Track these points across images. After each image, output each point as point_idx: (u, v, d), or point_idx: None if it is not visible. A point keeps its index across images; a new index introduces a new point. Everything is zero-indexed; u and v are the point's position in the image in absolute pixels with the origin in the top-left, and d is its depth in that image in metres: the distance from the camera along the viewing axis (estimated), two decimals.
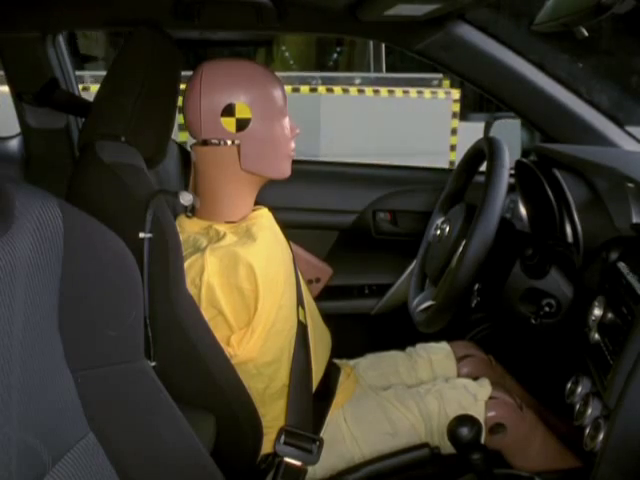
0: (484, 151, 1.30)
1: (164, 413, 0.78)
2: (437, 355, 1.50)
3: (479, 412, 1.28)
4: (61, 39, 1.63)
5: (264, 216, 1.25)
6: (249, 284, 1.10)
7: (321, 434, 1.22)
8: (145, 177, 1.08)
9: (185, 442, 0.80)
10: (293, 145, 1.24)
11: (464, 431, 0.99)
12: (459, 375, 1.47)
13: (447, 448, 1.23)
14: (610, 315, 1.03)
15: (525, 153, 1.65)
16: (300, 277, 1.31)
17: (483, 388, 1.34)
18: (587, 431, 0.99)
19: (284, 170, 1.24)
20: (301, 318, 1.23)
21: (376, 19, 1.37)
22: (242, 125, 1.16)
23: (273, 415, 1.20)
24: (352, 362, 1.50)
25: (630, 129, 1.54)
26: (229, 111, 1.15)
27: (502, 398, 1.34)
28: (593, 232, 1.23)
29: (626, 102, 1.48)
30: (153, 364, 0.94)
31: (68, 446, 0.64)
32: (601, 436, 0.95)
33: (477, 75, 1.54)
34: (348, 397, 1.33)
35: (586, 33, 1.04)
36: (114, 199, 1.02)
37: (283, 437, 1.14)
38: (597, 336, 1.04)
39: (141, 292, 0.76)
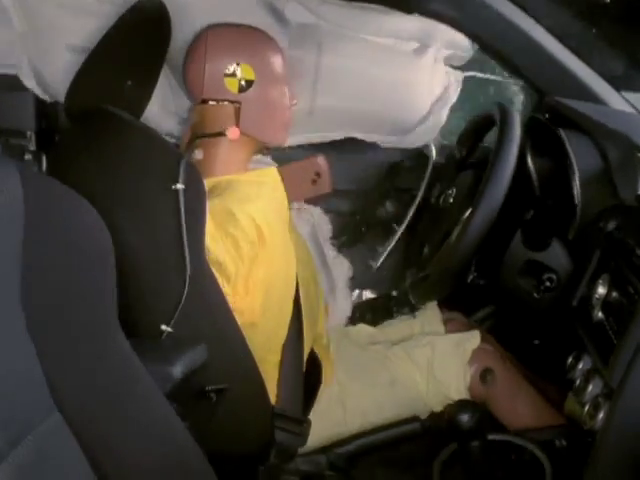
0: (494, 117, 1.25)
1: (140, 394, 0.73)
2: (424, 311, 1.49)
3: (466, 358, 1.31)
4: None
5: (268, 175, 1.24)
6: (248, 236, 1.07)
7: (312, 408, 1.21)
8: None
9: (163, 424, 0.76)
10: (291, 113, 1.26)
11: (464, 417, 0.98)
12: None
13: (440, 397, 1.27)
14: (615, 294, 1.00)
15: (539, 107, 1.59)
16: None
17: (473, 338, 1.35)
18: (586, 409, 0.98)
19: (280, 137, 1.28)
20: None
21: None
22: (245, 86, 1.18)
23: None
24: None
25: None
26: (233, 72, 1.17)
27: (489, 348, 1.36)
28: (594, 200, 1.18)
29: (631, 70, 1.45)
30: (169, 329, 0.93)
31: (29, 428, 0.59)
32: (601, 415, 0.94)
33: (488, 36, 1.48)
34: (331, 374, 1.32)
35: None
36: (145, 154, 1.01)
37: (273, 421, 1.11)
38: (601, 314, 1.01)
39: (113, 264, 0.71)
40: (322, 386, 1.28)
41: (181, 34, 1.30)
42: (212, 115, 1.19)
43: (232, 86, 1.17)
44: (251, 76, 1.18)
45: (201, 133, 1.20)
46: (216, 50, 1.18)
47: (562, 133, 1.26)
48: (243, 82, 1.18)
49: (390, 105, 1.53)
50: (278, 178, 1.24)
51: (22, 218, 0.59)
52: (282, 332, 1.18)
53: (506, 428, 1.27)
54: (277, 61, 1.22)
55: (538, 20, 1.46)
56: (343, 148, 1.62)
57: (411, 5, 1.44)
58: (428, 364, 1.31)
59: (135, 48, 1.11)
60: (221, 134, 1.18)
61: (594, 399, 0.97)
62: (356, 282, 1.70)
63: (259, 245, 1.08)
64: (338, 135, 1.58)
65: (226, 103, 1.18)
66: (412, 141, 1.60)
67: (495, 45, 1.50)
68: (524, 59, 1.49)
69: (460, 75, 1.58)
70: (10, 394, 0.57)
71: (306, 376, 1.24)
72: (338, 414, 1.27)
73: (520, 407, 1.31)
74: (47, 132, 1.32)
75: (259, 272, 1.10)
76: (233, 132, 1.18)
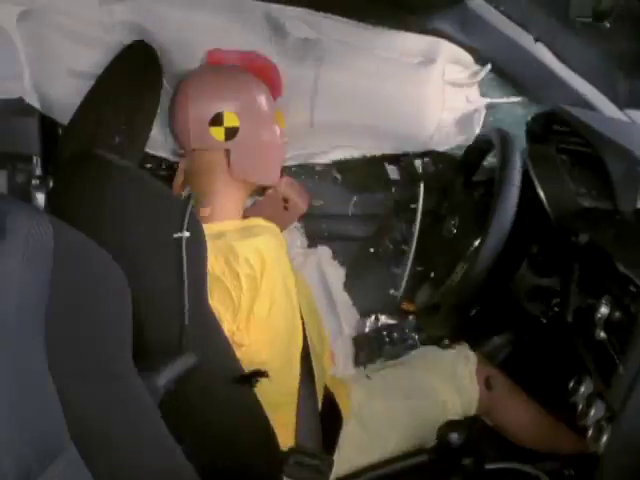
0: (492, 142, 1.25)
1: (150, 432, 0.77)
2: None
3: (472, 371, 1.36)
4: None
5: (260, 221, 1.22)
6: (249, 269, 1.07)
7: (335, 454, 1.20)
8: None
9: (171, 462, 0.79)
10: (283, 153, 1.26)
11: (454, 436, 1.01)
12: None
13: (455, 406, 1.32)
14: (617, 314, 0.99)
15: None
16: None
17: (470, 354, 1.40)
18: (590, 433, 0.96)
19: (274, 177, 1.27)
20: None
21: None
22: (231, 133, 1.17)
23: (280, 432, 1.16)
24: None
25: None
26: (217, 120, 1.17)
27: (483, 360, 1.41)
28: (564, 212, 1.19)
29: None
30: None
31: (51, 459, 0.62)
32: (604, 438, 0.92)
33: (493, 55, 1.49)
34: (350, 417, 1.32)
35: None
36: (144, 202, 0.99)
37: (292, 458, 1.09)
38: (603, 334, 1.00)
39: (129, 306, 0.75)
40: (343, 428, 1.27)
41: (179, 58, 1.33)
42: (203, 162, 1.19)
43: (218, 134, 1.17)
44: (236, 123, 1.17)
45: (193, 179, 1.20)
46: (198, 100, 1.18)
47: (532, 173, 1.25)
48: (229, 130, 1.17)
49: (394, 119, 1.50)
50: (274, 226, 1.23)
51: (50, 267, 0.63)
52: (293, 372, 1.16)
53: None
54: (262, 103, 1.21)
55: (539, 38, 1.46)
56: (348, 171, 1.64)
57: (415, 24, 1.45)
58: (451, 375, 1.35)
59: (128, 91, 1.12)
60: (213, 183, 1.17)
61: (597, 423, 0.95)
62: (371, 308, 1.70)
63: (260, 279, 1.08)
64: (339, 153, 1.57)
65: (214, 150, 1.18)
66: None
67: (498, 63, 1.51)
68: (527, 76, 1.50)
69: (482, 102, 1.56)
70: (31, 429, 0.60)
71: (324, 416, 1.23)
72: (362, 439, 1.27)
73: (522, 412, 1.35)
74: (53, 156, 1.33)
75: (262, 308, 1.09)
76: (225, 182, 1.18)
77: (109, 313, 0.73)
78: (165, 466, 0.78)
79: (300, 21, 1.40)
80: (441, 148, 1.58)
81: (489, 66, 1.50)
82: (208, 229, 1.05)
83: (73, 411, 0.65)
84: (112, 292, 0.74)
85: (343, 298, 1.67)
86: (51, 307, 0.63)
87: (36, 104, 1.30)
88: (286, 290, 1.17)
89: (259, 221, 1.21)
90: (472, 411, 1.36)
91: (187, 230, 0.95)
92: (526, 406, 1.36)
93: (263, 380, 1.06)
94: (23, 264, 0.59)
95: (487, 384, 1.34)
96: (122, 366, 0.75)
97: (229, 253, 1.06)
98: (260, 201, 1.48)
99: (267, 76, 1.39)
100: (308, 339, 1.22)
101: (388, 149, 1.58)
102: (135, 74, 1.23)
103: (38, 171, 1.27)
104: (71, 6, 1.28)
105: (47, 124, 1.33)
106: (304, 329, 1.21)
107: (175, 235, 0.94)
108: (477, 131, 1.55)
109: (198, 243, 0.98)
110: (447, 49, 1.48)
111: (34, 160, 1.28)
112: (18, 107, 1.28)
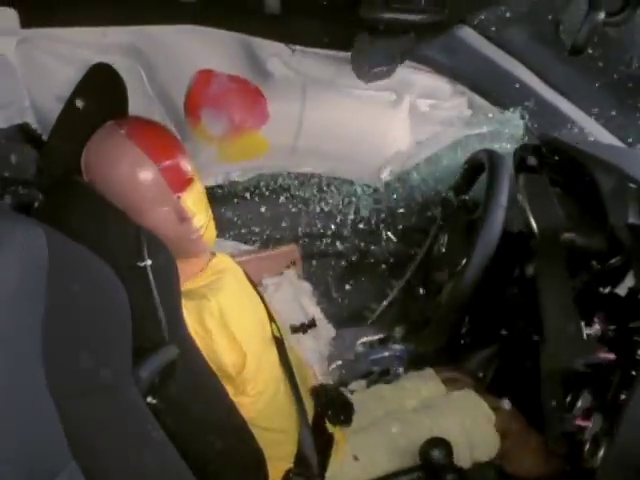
0: (483, 163, 1.29)
1: (151, 443, 0.76)
2: (426, 384, 1.48)
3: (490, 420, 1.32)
4: None
5: (219, 264, 1.23)
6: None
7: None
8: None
9: (173, 472, 0.78)
10: (192, 226, 1.10)
11: (435, 453, 1.01)
12: None
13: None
14: (611, 331, 1.02)
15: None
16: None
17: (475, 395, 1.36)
18: (587, 447, 0.98)
19: (187, 252, 1.13)
20: (275, 333, 1.24)
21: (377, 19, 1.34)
22: None
23: (277, 455, 1.18)
24: None
25: None
26: None
27: (497, 407, 1.36)
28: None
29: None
30: (154, 401, 0.90)
31: (52, 476, 0.62)
32: (601, 452, 0.94)
33: (478, 80, 1.53)
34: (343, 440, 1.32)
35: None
36: (113, 228, 1.01)
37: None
38: None
39: (128, 318, 0.74)
40: (336, 450, 1.28)
41: (170, 77, 1.36)
42: None
43: None
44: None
45: None
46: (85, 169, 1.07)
47: (526, 204, 1.27)
48: None
49: (365, 150, 1.59)
50: (231, 260, 1.27)
51: (46, 278, 0.62)
52: (278, 397, 1.19)
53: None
54: (135, 193, 1.04)
55: (527, 64, 1.51)
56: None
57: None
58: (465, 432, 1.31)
59: (96, 112, 1.10)
60: None
61: (594, 437, 0.97)
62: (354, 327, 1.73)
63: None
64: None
65: None
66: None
67: (485, 87, 1.55)
68: (513, 99, 1.55)
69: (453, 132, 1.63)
70: (35, 445, 0.60)
71: (316, 439, 1.24)
72: (354, 469, 1.26)
73: (528, 457, 1.33)
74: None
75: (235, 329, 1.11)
76: None
77: (108, 323, 0.72)
78: (169, 477, 0.78)
79: (280, 61, 1.44)
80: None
81: (465, 101, 1.57)
82: None
83: (73, 426, 0.64)
84: (110, 301, 0.73)
85: (318, 315, 1.71)
86: (48, 319, 0.62)
87: (38, 128, 1.31)
88: (254, 316, 1.21)
89: (218, 264, 1.22)
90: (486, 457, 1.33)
91: (150, 257, 0.94)
92: (535, 452, 1.32)
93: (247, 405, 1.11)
94: (18, 274, 0.59)
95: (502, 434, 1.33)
96: (122, 376, 0.74)
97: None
98: (271, 253, 1.65)
99: (255, 104, 1.45)
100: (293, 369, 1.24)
101: (359, 174, 1.68)
102: (101, 95, 1.20)
103: (40, 195, 1.27)
104: (65, 31, 1.30)
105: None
106: (286, 355, 1.23)
107: (139, 264, 0.94)
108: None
109: (164, 266, 0.98)
110: (420, 84, 1.55)
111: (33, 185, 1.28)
112: (20, 132, 1.28)
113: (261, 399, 1.16)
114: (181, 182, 1.08)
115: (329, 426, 1.30)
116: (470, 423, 1.31)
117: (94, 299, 0.71)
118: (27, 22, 1.23)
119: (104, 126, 1.08)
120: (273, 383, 1.19)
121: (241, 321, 1.13)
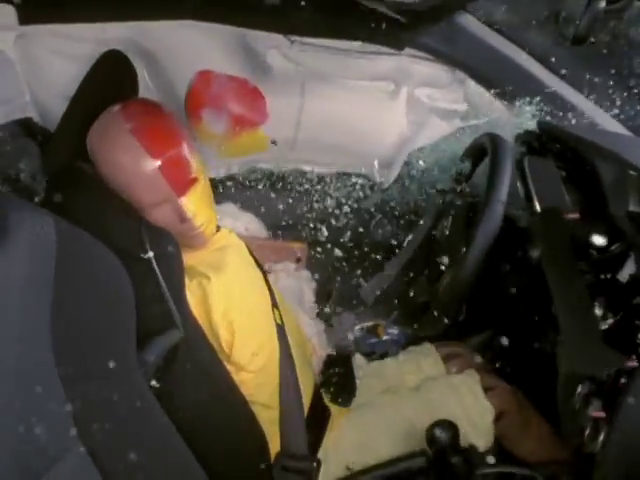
0: (486, 147, 1.29)
1: (156, 427, 0.77)
2: (426, 360, 1.49)
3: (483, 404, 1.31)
4: None
5: (222, 240, 1.23)
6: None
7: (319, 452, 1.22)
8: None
9: (179, 458, 0.80)
10: (188, 226, 1.10)
11: (441, 435, 1.01)
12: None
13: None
14: (610, 316, 1.03)
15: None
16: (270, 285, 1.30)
17: (475, 380, 1.36)
18: (587, 432, 0.99)
19: (191, 245, 1.14)
20: (277, 320, 1.23)
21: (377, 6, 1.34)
22: None
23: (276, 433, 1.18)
24: None
25: None
26: None
27: (497, 385, 1.36)
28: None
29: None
30: (157, 385, 0.91)
31: (58, 459, 0.63)
32: (601, 437, 0.95)
33: (480, 67, 1.53)
34: (341, 415, 1.32)
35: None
36: (114, 218, 1.01)
37: (283, 460, 1.13)
38: None
39: (133, 304, 0.76)
40: (330, 425, 1.29)
41: (169, 74, 1.36)
42: None
43: None
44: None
45: None
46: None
47: (531, 185, 1.28)
48: None
49: (363, 141, 1.60)
50: (235, 237, 1.27)
51: (54, 265, 0.63)
52: (272, 382, 1.18)
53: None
54: (136, 190, 1.03)
55: (528, 50, 1.51)
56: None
57: (404, 41, 1.49)
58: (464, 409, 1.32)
59: (106, 99, 1.07)
60: None
61: (594, 422, 0.98)
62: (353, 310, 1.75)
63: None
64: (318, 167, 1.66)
65: None
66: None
67: (486, 75, 1.55)
68: (515, 87, 1.54)
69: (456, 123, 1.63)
70: (44, 425, 0.61)
71: (312, 416, 1.24)
72: (354, 442, 1.28)
73: (530, 439, 1.33)
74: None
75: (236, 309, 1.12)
76: None
77: (114, 308, 0.73)
78: (174, 462, 0.80)
79: (278, 53, 1.44)
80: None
81: (461, 94, 1.57)
82: None
83: (81, 412, 0.66)
84: (116, 287, 0.74)
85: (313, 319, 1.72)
86: (55, 304, 0.63)
87: (40, 122, 1.32)
88: (256, 293, 1.21)
89: (222, 239, 1.22)
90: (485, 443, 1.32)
91: (154, 246, 0.95)
92: (533, 442, 1.32)
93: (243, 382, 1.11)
94: (27, 262, 0.60)
95: (496, 418, 1.32)
96: (127, 362, 0.75)
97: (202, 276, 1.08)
98: (279, 244, 1.67)
99: (254, 103, 1.46)
100: (289, 340, 1.24)
101: (358, 166, 1.68)
102: (112, 82, 1.21)
103: (41, 189, 1.28)
104: (64, 27, 1.30)
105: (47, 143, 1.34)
106: (283, 330, 1.23)
107: (142, 256, 0.94)
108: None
109: (169, 256, 0.99)
110: (417, 73, 1.54)
111: (37, 179, 1.29)
112: (21, 128, 1.29)
113: (260, 375, 1.16)
114: (184, 183, 1.07)
115: (326, 401, 1.31)
116: (462, 413, 1.31)
117: (100, 285, 0.72)
118: (25, 19, 1.23)
119: (109, 111, 1.05)
120: (273, 358, 1.19)
121: (243, 300, 1.13)
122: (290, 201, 1.75)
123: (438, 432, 1.04)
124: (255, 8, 1.31)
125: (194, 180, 1.09)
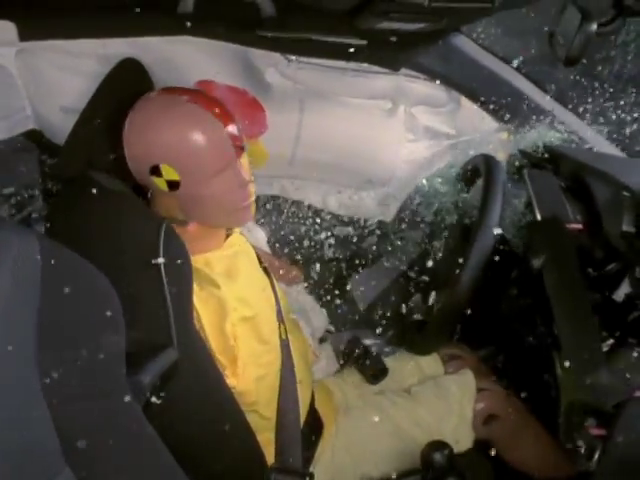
0: (480, 168, 1.30)
1: (148, 450, 0.76)
2: (425, 359, 1.49)
3: (468, 407, 1.31)
4: None
5: (235, 245, 1.22)
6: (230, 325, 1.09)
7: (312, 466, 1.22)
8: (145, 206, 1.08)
9: (166, 471, 0.78)
10: (245, 194, 1.12)
11: (436, 456, 1.00)
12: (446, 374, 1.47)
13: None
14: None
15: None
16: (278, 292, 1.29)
17: (468, 381, 1.36)
18: (582, 450, 0.99)
19: (238, 221, 1.16)
20: (282, 335, 1.23)
21: (372, 28, 1.36)
22: (173, 185, 1.05)
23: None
24: (336, 376, 1.50)
25: None
26: (156, 172, 1.04)
27: (491, 388, 1.36)
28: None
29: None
30: (157, 402, 0.91)
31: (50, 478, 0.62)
32: (596, 456, 0.95)
33: (474, 87, 1.55)
34: (332, 423, 1.33)
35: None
36: (130, 226, 1.00)
37: (273, 475, 1.10)
38: None
39: (122, 326, 0.74)
40: (324, 435, 1.29)
41: (174, 81, 1.35)
42: (159, 203, 1.11)
43: (160, 184, 1.05)
44: (175, 177, 1.04)
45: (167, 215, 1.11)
46: (135, 144, 1.05)
47: (526, 174, 1.30)
48: (170, 182, 1.05)
49: (360, 159, 1.61)
50: (245, 242, 1.27)
51: (39, 285, 0.62)
52: (273, 386, 1.18)
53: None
54: (205, 155, 1.04)
55: (520, 70, 1.53)
56: None
57: (399, 61, 1.51)
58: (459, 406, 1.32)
59: (121, 107, 1.08)
60: (183, 223, 1.11)
61: (591, 440, 0.98)
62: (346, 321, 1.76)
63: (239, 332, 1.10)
64: (311, 189, 1.69)
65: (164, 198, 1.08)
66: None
67: (481, 95, 1.57)
68: (508, 106, 1.56)
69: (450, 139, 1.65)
70: (28, 451, 0.60)
71: (307, 426, 1.24)
72: (345, 463, 1.28)
73: (524, 447, 1.32)
74: (53, 190, 1.35)
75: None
76: (192, 225, 1.12)
77: (100, 329, 0.72)
78: (159, 475, 0.78)
79: (277, 71, 1.46)
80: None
81: (458, 112, 1.58)
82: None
83: (67, 433, 0.64)
84: (102, 307, 0.72)
85: (312, 303, 1.74)
86: (40, 325, 0.62)
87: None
88: (260, 296, 1.20)
89: (232, 243, 1.21)
90: (467, 445, 1.33)
91: (166, 255, 0.94)
92: (528, 448, 1.31)
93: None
94: (11, 282, 0.58)
95: (486, 421, 1.32)
96: (115, 383, 0.74)
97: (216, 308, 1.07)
98: (279, 262, 1.63)
99: (254, 114, 1.46)
100: (293, 349, 1.24)
101: (355, 184, 1.69)
102: (127, 91, 1.19)
103: (39, 204, 1.28)
104: (64, 42, 1.32)
105: (46, 159, 1.35)
106: (288, 344, 1.23)
107: (153, 261, 0.93)
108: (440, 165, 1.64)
109: (179, 265, 0.98)
110: (414, 92, 1.56)
111: (35, 194, 1.29)
112: (20, 143, 1.29)
113: (262, 384, 1.15)
114: (240, 146, 1.09)
115: (319, 411, 1.31)
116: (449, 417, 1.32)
117: (87, 306, 0.71)
118: (26, 35, 1.24)
119: (149, 97, 1.06)
120: (274, 370, 1.19)
121: (250, 310, 1.13)
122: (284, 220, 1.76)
123: (434, 454, 1.03)
124: (252, 26, 1.33)
125: (243, 146, 1.12)
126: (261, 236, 1.73)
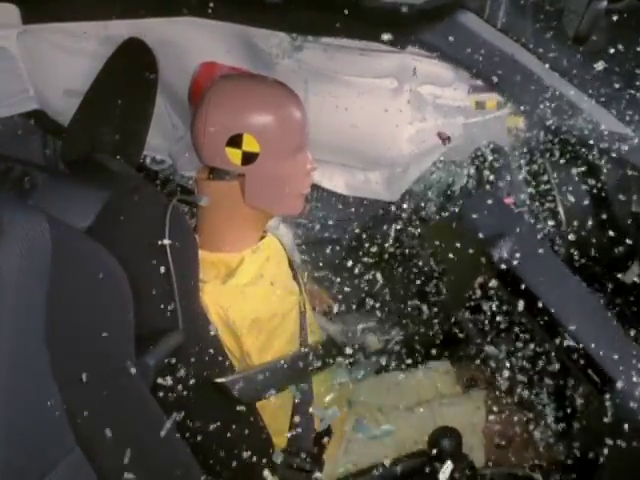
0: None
1: (154, 427, 0.77)
2: (441, 378, 1.47)
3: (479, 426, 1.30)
4: None
5: (268, 247, 1.20)
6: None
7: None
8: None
9: (176, 456, 0.79)
10: (308, 181, 1.14)
11: (445, 442, 1.01)
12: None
13: None
14: None
15: None
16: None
17: (481, 402, 1.35)
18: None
19: (293, 208, 1.16)
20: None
21: (378, 4, 1.33)
22: (249, 159, 1.05)
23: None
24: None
25: None
26: (235, 142, 1.04)
27: (504, 410, 1.33)
28: None
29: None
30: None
31: (54, 462, 0.63)
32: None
33: (482, 65, 1.52)
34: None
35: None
36: (136, 207, 0.99)
37: (283, 460, 1.11)
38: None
39: (131, 307, 0.75)
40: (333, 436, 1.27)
41: (172, 70, 1.36)
42: (215, 189, 1.09)
43: (235, 157, 1.05)
44: (255, 148, 1.04)
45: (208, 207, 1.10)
46: (218, 115, 1.04)
47: None
48: (247, 154, 1.04)
49: (369, 140, 1.58)
50: (279, 246, 1.25)
51: (49, 266, 0.63)
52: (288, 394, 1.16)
53: None
54: (292, 126, 1.07)
55: (531, 50, 1.50)
56: None
57: (406, 40, 1.48)
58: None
59: (125, 88, 1.09)
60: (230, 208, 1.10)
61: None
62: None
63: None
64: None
65: (231, 175, 1.07)
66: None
67: (488, 74, 1.54)
68: (516, 84, 1.53)
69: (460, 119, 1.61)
70: (39, 430, 0.61)
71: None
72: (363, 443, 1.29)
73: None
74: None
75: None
76: (245, 209, 1.11)
77: (110, 310, 0.73)
78: (172, 463, 0.79)
79: (281, 51, 1.44)
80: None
81: (467, 87, 1.55)
82: (218, 261, 1.08)
83: (76, 412, 0.65)
84: (112, 288, 0.73)
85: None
86: (50, 304, 0.62)
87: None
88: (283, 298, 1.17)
89: (265, 247, 1.18)
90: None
91: (173, 237, 0.93)
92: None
93: None
94: (20, 263, 0.59)
95: (498, 446, 1.31)
96: (123, 363, 0.75)
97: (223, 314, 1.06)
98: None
99: None
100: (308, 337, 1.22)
101: (361, 164, 1.66)
102: (131, 71, 1.20)
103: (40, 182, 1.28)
104: (66, 24, 1.31)
105: (48, 141, 1.35)
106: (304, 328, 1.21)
107: (159, 242, 0.93)
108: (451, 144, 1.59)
109: (185, 250, 0.98)
110: (420, 70, 1.52)
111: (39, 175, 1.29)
112: (22, 124, 1.30)
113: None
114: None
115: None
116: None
117: (96, 286, 0.71)
118: (28, 18, 1.23)
119: (231, 75, 1.15)
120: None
121: (269, 315, 1.11)
122: None
123: (442, 440, 1.05)
124: (256, 6, 1.31)
125: None
126: (287, 236, 1.70)
